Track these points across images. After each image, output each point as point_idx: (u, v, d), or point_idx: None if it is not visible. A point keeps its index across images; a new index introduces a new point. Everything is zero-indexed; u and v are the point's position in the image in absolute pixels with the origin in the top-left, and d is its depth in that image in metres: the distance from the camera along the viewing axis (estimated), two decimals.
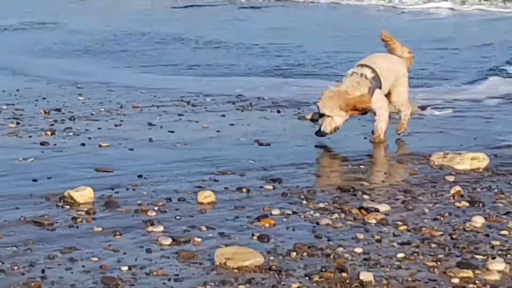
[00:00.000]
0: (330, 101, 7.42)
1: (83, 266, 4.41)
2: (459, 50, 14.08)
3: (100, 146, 7.80)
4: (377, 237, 4.92)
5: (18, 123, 8.84)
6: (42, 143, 7.78)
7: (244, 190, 6.24)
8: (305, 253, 4.61)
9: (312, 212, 5.72)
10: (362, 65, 7.72)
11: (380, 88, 7.49)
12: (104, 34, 17.40)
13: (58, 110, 9.52)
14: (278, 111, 9.43)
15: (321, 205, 5.86)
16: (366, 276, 4.27)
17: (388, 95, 7.78)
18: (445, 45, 14.54)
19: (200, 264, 4.47)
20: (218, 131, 8.25)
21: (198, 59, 13.87)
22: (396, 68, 7.86)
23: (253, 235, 4.94)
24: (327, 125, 7.45)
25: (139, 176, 6.70)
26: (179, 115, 9.65)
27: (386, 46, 7.98)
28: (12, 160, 7.23)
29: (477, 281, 4.23)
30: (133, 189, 6.29)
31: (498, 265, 4.37)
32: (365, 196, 6.17)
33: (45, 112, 9.24)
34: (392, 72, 7.77)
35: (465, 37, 15.79)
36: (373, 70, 7.55)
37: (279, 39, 15.56)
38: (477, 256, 4.51)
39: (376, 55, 7.97)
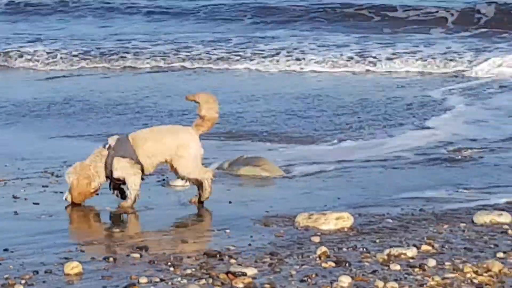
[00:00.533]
0: None
1: None
2: (322, 111, 14.54)
3: None
4: None
5: None
6: None
7: (111, 259, 5.97)
8: None
9: (179, 278, 5.53)
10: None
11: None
12: None
13: None
14: (142, 179, 9.39)
15: (188, 271, 5.65)
16: None
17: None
18: (309, 105, 15.01)
19: None
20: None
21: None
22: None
23: None
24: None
25: (5, 250, 6.36)
26: (43, 186, 9.20)
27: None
28: None
29: None
30: (0, 264, 6.03)
31: None
32: (232, 260, 5.97)
33: None
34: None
35: (325, 98, 16.43)
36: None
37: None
38: None
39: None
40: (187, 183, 8.05)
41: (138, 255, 6.02)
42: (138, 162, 7.76)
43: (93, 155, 7.75)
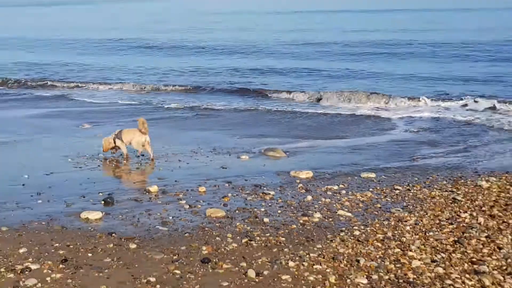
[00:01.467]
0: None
1: None
2: None
3: None
4: None
5: None
6: None
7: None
8: None
9: (244, 195, 9.63)
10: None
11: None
12: None
13: None
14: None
15: (247, 191, 9.90)
16: None
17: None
18: None
19: None
20: None
21: None
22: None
23: None
24: None
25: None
26: (193, 155, 12.90)
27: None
28: None
29: None
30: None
31: None
32: (264, 188, 10.20)
33: None
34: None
35: None
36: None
37: None
38: None
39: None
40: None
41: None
42: (122, 141, 12.62)
43: (110, 136, 12.72)
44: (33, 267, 7.16)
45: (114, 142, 12.72)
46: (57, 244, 7.88)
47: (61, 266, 7.19)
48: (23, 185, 10.52)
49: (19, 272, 7.02)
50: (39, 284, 6.72)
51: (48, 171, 11.40)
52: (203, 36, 46.30)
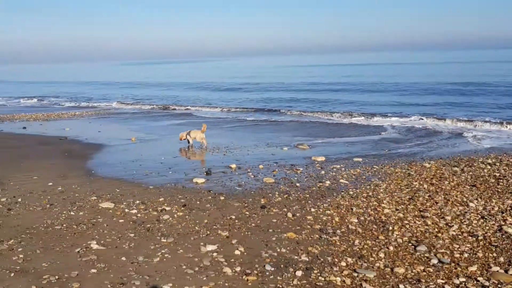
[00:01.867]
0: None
1: None
2: None
3: None
4: None
5: None
6: None
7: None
8: None
9: (276, 167, 11.34)
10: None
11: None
12: None
13: None
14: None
15: (276, 169, 11.42)
16: None
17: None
18: None
19: None
20: None
21: None
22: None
23: None
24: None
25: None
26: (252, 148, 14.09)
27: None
28: None
29: None
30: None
31: None
32: (295, 168, 10.48)
33: None
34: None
35: None
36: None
37: None
38: None
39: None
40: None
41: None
42: (190, 136, 12.84)
43: (184, 132, 12.97)
44: (167, 208, 7.33)
45: (186, 136, 12.89)
46: (180, 196, 8.00)
47: (182, 208, 7.34)
48: (161, 163, 10.68)
49: (159, 211, 7.19)
50: (170, 218, 6.86)
51: (175, 155, 11.63)
52: (261, 79, 46.37)
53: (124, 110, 25.46)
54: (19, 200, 7.75)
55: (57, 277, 4.86)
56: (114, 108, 27.28)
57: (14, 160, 11.08)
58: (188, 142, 12.96)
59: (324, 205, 7.41)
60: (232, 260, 5.34)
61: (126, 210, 7.19)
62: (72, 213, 7.06)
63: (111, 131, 16.50)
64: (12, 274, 4.92)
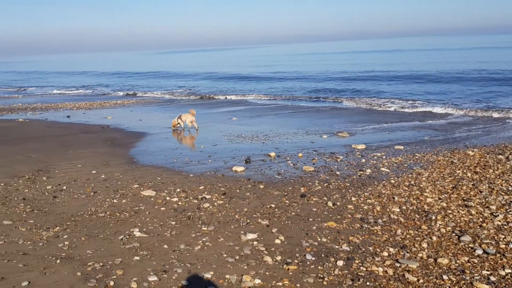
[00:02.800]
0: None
1: None
2: None
3: None
4: None
5: None
6: None
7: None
8: None
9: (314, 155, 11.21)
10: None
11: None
12: None
13: None
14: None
15: (311, 157, 11.31)
16: None
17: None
18: None
19: None
20: None
21: None
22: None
23: None
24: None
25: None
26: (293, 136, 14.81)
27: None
28: None
29: None
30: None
31: None
32: (335, 156, 10.40)
33: None
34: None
35: None
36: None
37: None
38: None
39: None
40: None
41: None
42: (181, 120, 13.64)
43: (177, 117, 13.94)
44: (207, 196, 7.37)
45: (178, 121, 13.98)
46: (220, 184, 8.03)
47: (222, 196, 7.36)
48: (201, 151, 10.74)
49: (199, 199, 7.25)
50: (210, 207, 6.89)
51: (214, 143, 11.70)
52: (302, 68, 45.99)
53: (165, 99, 25.69)
54: (64, 187, 7.97)
55: (101, 264, 4.96)
56: (154, 97, 27.61)
57: (59, 148, 11.40)
58: (180, 126, 13.98)
59: (365, 194, 7.27)
60: (273, 249, 5.32)
61: (167, 198, 7.27)
62: (115, 200, 7.20)
63: (152, 119, 16.75)
64: (58, 261, 5.06)
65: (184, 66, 64.77)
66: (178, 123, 13.87)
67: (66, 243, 5.61)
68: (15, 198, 7.43)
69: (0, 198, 7.45)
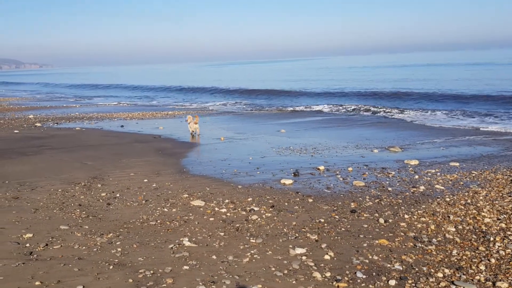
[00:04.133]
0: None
1: None
2: None
3: None
4: None
5: None
6: None
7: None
8: None
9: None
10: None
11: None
12: None
13: None
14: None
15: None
16: None
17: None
18: None
19: None
20: None
21: None
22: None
23: None
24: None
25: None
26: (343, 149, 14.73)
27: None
28: None
29: None
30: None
31: None
32: (380, 164, 10.48)
33: None
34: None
35: None
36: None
37: None
38: None
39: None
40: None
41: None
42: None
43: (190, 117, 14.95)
44: (255, 208, 7.37)
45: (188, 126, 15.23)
46: (268, 197, 8.01)
47: (270, 209, 7.35)
48: (249, 163, 10.79)
49: (248, 211, 7.26)
50: (259, 219, 6.89)
51: (262, 155, 11.71)
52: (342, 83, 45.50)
53: (220, 110, 26.00)
54: (117, 195, 8.19)
55: (152, 271, 5.04)
56: (206, 108, 28.03)
57: (112, 156, 11.76)
58: (195, 132, 15.28)
59: (419, 211, 7.05)
60: (322, 264, 5.24)
61: (216, 208, 7.33)
62: (165, 209, 7.33)
63: (202, 129, 16.95)
64: (111, 267, 5.18)
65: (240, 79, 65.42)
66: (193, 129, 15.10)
67: (119, 249, 5.74)
68: (72, 204, 7.69)
69: (58, 204, 7.72)
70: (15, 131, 17.04)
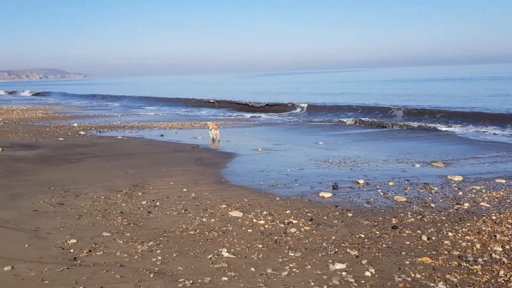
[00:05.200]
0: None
1: None
2: None
3: None
4: None
5: None
6: None
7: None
8: None
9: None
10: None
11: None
12: None
13: None
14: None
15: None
16: None
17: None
18: None
19: None
20: None
21: None
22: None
23: None
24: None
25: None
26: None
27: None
28: None
29: None
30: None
31: None
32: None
33: None
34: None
35: None
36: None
37: None
38: None
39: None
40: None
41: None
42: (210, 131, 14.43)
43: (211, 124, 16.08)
44: (294, 221, 7.34)
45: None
46: (306, 210, 7.97)
47: (309, 222, 7.31)
48: (287, 174, 10.77)
49: (286, 223, 7.24)
50: (297, 232, 6.86)
51: (300, 167, 11.68)
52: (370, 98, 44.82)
53: (261, 121, 26.13)
54: (158, 204, 8.33)
55: (191, 281, 5.09)
56: (245, 118, 28.21)
57: (152, 165, 11.99)
58: (217, 138, 16.12)
59: (463, 229, 6.85)
60: (362, 281, 5.15)
61: (254, 220, 7.34)
62: (204, 219, 7.40)
63: (240, 140, 17.09)
64: (152, 275, 5.26)
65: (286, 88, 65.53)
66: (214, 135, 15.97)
67: (159, 258, 5.83)
68: (114, 211, 7.87)
69: (100, 211, 7.91)
70: (60, 139, 17.60)
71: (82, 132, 19.94)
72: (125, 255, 5.94)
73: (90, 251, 6.04)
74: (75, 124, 23.76)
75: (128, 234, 6.75)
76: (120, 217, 7.56)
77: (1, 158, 13.02)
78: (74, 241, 6.40)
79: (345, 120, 25.32)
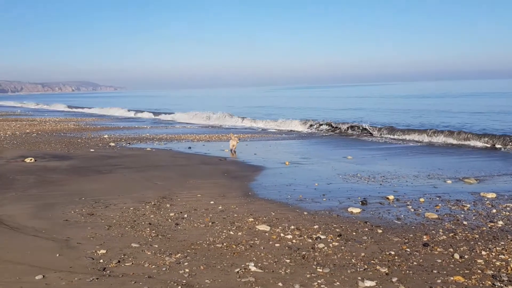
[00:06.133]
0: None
1: None
2: None
3: None
4: None
5: None
6: None
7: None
8: None
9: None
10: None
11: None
12: None
13: None
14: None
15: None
16: None
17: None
18: None
19: None
20: None
21: None
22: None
23: None
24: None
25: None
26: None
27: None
28: None
29: None
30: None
31: None
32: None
33: None
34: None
35: None
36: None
37: None
38: None
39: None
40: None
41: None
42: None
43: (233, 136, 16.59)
44: (322, 237, 7.28)
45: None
46: (335, 225, 7.90)
47: (337, 238, 7.24)
48: (315, 189, 10.71)
49: (314, 238, 7.18)
50: (325, 247, 6.79)
51: (328, 181, 11.60)
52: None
53: (291, 135, 26.15)
54: (185, 216, 8.39)
55: None
56: (270, 131, 28.26)
57: (180, 177, 12.10)
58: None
59: (497, 248, 6.65)
60: None
61: (282, 234, 7.31)
62: (231, 232, 7.41)
63: (268, 153, 17.09)
64: (179, 287, 5.25)
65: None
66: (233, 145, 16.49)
67: (187, 270, 5.85)
68: (142, 223, 7.97)
69: (129, 222, 8.02)
70: (91, 150, 17.98)
71: (112, 144, 20.32)
72: (153, 266, 5.99)
73: (119, 261, 6.10)
74: (106, 136, 24.25)
75: (156, 246, 6.80)
76: (148, 228, 7.64)
77: (34, 169, 13.37)
78: (104, 251, 6.48)
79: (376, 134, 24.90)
